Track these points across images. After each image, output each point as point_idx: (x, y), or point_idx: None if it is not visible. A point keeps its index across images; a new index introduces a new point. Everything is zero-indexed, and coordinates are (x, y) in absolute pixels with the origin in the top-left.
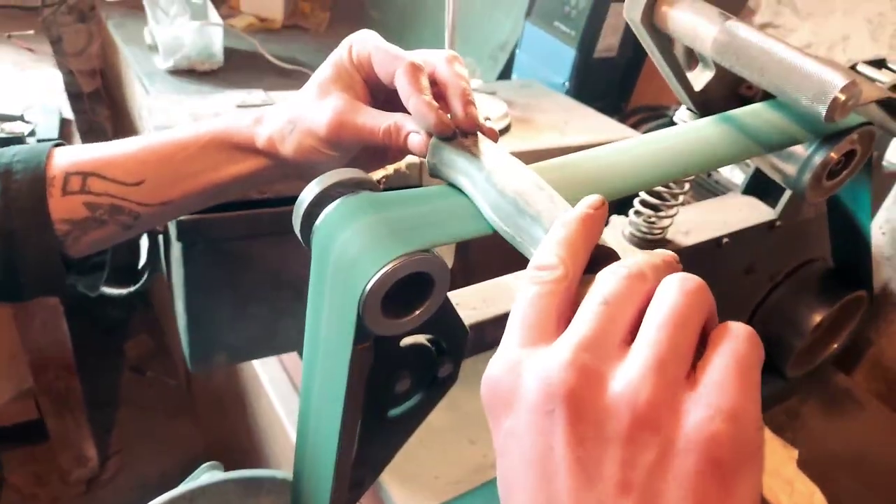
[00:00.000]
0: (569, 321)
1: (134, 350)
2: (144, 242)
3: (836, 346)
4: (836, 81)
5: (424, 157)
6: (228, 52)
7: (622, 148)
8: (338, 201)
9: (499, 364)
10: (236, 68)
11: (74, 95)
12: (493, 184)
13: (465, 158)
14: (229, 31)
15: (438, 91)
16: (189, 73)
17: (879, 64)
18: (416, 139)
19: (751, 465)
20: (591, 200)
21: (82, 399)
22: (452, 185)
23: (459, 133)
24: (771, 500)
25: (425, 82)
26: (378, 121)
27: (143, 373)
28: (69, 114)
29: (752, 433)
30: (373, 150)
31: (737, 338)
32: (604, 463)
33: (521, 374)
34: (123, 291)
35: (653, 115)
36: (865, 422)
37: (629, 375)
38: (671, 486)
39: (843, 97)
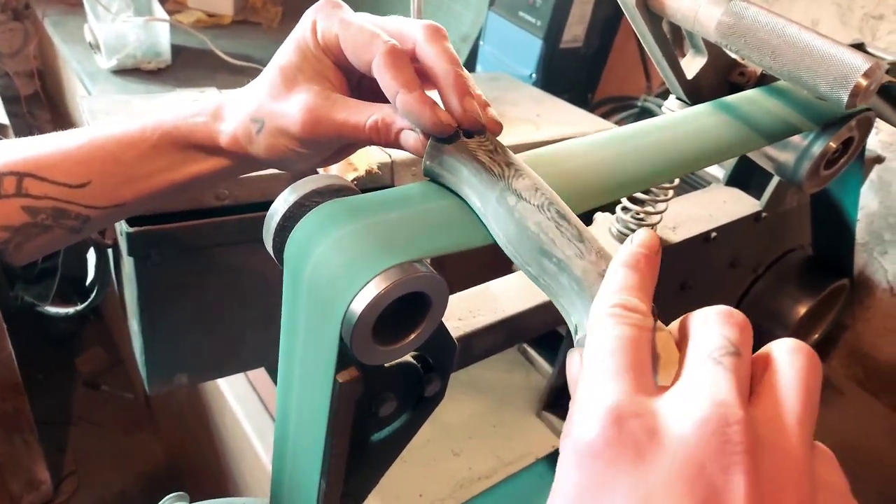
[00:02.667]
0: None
1: (87, 364)
2: (92, 257)
3: (817, 335)
4: (859, 65)
5: (422, 156)
6: (176, 49)
7: (621, 137)
8: (313, 210)
9: (616, 411)
10: (185, 66)
11: (11, 99)
12: (508, 209)
13: (470, 168)
14: (176, 28)
15: (421, 69)
16: (134, 72)
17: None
18: (412, 137)
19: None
20: (645, 240)
21: (32, 419)
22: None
23: (462, 131)
24: None
25: (411, 72)
26: (362, 115)
27: (98, 387)
28: (4, 118)
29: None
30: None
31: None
32: None
33: (659, 421)
34: (70, 310)
35: (620, 106)
36: (845, 409)
37: (792, 445)
38: None
39: (865, 82)
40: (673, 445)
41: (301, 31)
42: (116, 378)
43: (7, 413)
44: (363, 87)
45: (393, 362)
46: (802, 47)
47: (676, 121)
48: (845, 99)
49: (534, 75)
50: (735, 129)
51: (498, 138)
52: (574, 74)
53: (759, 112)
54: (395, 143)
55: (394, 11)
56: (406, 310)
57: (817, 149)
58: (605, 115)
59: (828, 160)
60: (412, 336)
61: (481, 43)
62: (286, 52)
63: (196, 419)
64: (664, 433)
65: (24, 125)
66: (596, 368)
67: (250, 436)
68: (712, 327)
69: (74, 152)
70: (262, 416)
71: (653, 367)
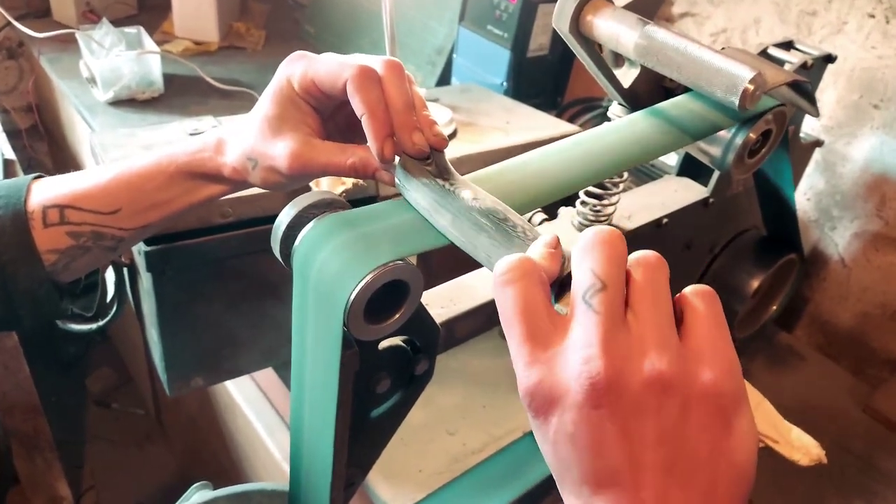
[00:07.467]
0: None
1: (97, 384)
2: (111, 276)
3: (775, 307)
4: (745, 74)
5: (394, 186)
6: (168, 77)
7: (565, 147)
8: (313, 222)
9: (532, 373)
10: (177, 94)
11: (12, 133)
12: (456, 214)
13: (424, 185)
14: (166, 57)
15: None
16: (130, 102)
17: (788, 46)
18: (386, 175)
19: (745, 403)
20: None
21: (51, 438)
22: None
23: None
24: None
25: (377, 93)
26: (341, 158)
27: (109, 406)
28: (10, 154)
29: (741, 381)
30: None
31: (707, 301)
32: (645, 429)
33: (560, 377)
34: (93, 326)
35: (587, 108)
36: (808, 372)
37: (651, 360)
38: (692, 432)
39: (752, 87)
40: (569, 396)
41: (277, 84)
42: (126, 396)
43: (27, 433)
44: (337, 118)
45: (385, 345)
46: (700, 62)
47: (612, 129)
48: (736, 103)
49: (504, 83)
50: (665, 131)
51: (471, 145)
52: (542, 80)
53: (685, 114)
54: (373, 178)
55: (369, 31)
56: (392, 297)
57: (739, 141)
58: (575, 116)
59: (750, 150)
60: (397, 315)
61: (455, 56)
62: (266, 105)
63: (208, 426)
64: (566, 388)
65: (25, 157)
66: (510, 345)
67: (262, 434)
68: (582, 263)
69: (105, 185)
70: (271, 416)
71: (554, 300)
